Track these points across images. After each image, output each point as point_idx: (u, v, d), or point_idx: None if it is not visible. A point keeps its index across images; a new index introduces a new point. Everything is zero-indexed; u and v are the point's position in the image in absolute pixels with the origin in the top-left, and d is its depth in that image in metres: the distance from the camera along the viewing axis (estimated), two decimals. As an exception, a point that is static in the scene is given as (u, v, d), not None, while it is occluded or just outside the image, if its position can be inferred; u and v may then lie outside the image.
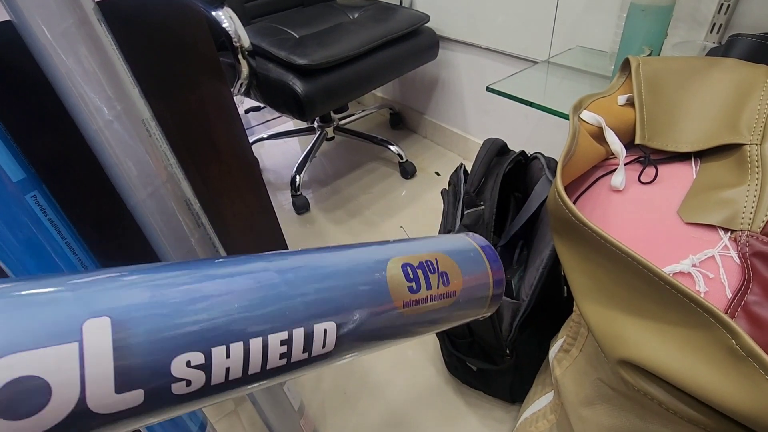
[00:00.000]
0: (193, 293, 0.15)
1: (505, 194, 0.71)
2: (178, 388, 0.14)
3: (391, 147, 1.26)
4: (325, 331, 0.17)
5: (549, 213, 0.40)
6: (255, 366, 0.16)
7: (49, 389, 0.13)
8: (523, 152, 0.61)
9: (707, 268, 0.35)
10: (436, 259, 0.22)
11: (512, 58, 1.03)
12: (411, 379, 0.74)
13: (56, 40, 0.30)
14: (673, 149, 0.43)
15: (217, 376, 0.15)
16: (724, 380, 0.27)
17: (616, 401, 0.38)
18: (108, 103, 0.33)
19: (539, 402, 0.54)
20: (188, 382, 0.15)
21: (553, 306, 0.60)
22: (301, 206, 1.16)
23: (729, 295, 0.33)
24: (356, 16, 1.13)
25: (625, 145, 0.45)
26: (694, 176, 0.43)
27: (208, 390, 0.15)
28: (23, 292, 0.14)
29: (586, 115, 0.46)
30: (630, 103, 0.47)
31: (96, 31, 0.31)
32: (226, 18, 0.80)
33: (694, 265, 0.35)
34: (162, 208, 0.39)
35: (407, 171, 1.24)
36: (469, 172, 0.61)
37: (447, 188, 0.66)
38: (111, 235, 0.47)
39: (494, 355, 0.59)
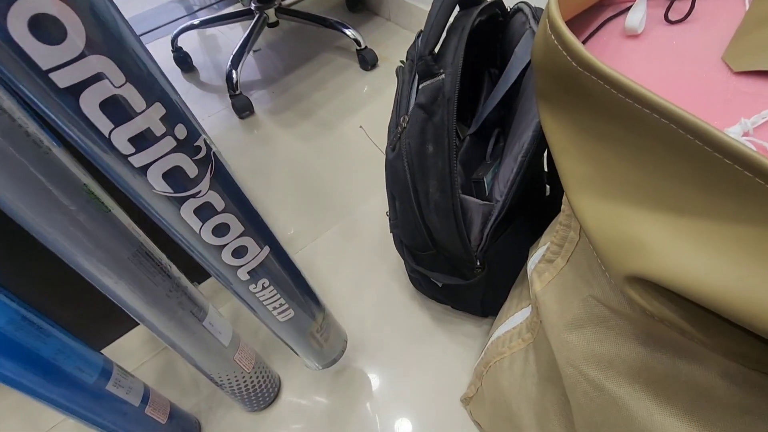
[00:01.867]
0: None
1: (476, 69, 0.56)
2: None
3: (347, 31, 1.05)
4: None
5: (535, 68, 0.27)
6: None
7: None
8: (499, 1, 0.45)
9: (765, 137, 0.23)
10: None
11: None
12: (372, 297, 0.66)
13: None
14: (720, -34, 0.29)
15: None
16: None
17: (613, 324, 0.29)
18: None
19: (514, 318, 0.45)
20: None
21: (533, 206, 0.49)
22: (242, 108, 0.98)
23: (797, 174, 0.22)
24: None
25: (648, -34, 0.30)
26: (747, 7, 0.29)
27: None
28: None
29: None
30: None
31: None
32: None
33: (746, 134, 0.24)
34: None
35: (367, 61, 1.05)
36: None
37: (403, 64, 0.50)
38: None
39: (462, 268, 0.50)
